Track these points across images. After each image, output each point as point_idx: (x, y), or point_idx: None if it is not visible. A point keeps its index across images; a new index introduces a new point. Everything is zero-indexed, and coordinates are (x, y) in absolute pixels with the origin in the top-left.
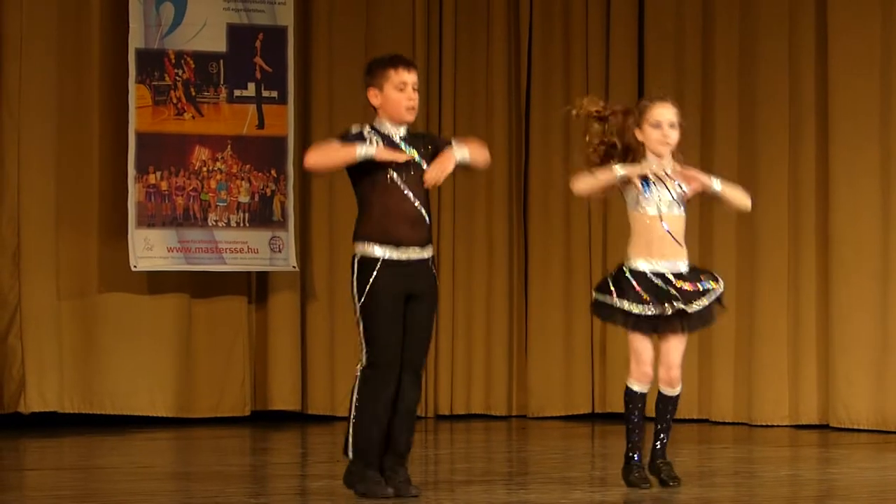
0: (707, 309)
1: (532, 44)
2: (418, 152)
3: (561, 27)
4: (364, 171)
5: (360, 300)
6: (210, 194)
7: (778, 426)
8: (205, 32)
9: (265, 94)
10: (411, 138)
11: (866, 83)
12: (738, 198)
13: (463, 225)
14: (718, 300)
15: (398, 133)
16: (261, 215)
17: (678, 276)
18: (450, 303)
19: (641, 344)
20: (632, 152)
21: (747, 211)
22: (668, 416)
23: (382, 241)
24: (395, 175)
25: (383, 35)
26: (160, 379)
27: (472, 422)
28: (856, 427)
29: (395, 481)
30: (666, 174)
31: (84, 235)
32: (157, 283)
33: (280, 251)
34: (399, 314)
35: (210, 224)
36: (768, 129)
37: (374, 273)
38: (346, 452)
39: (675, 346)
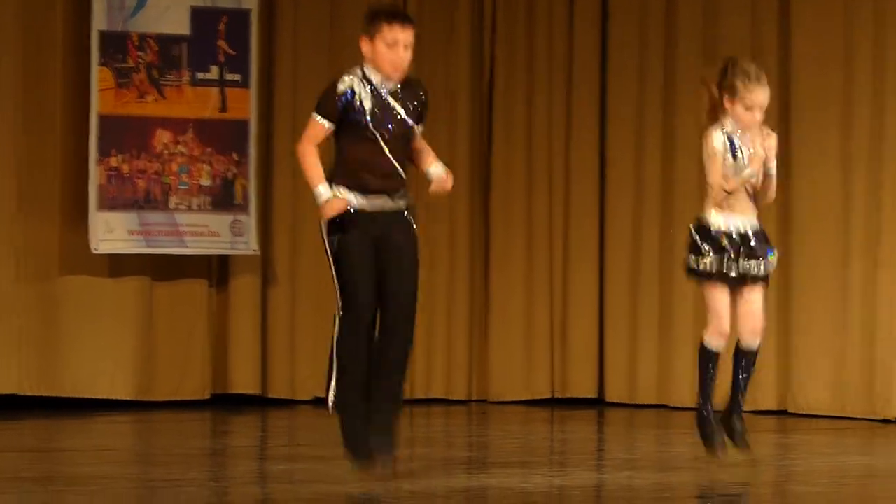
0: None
1: (496, 30)
2: (406, 109)
3: (525, 8)
4: (348, 122)
5: (330, 249)
6: (171, 177)
7: None
8: (168, 15)
9: (228, 77)
10: (402, 91)
11: (829, 69)
12: (772, 189)
13: (424, 213)
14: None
15: (387, 86)
16: (222, 199)
17: (754, 233)
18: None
19: (717, 295)
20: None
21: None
22: (751, 371)
23: (351, 187)
24: (377, 135)
25: (349, 20)
26: (121, 362)
27: (432, 406)
28: (814, 413)
29: (378, 434)
30: (749, 141)
31: (45, 218)
32: (118, 266)
33: (241, 235)
34: (370, 259)
35: (171, 207)
36: None
37: (343, 219)
38: (328, 407)
39: (756, 297)
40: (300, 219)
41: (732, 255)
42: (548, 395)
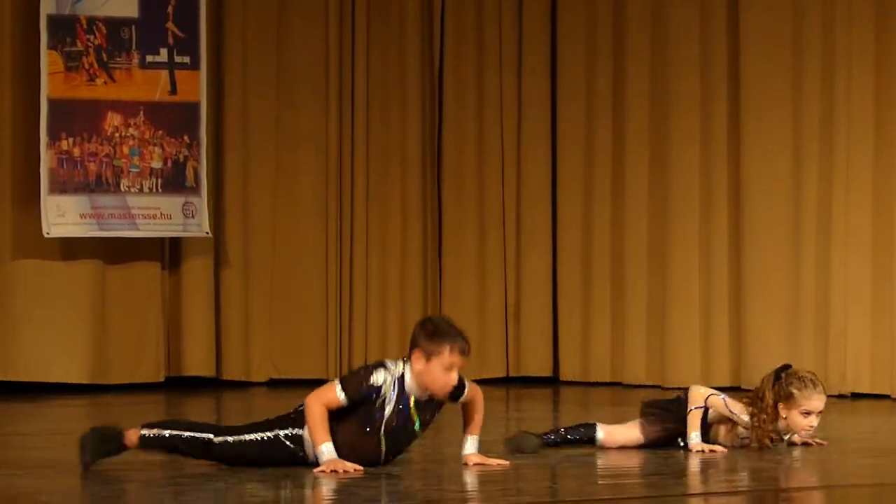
0: None
1: (445, 14)
2: (422, 420)
3: None
4: (360, 407)
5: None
6: (123, 160)
7: None
8: None
9: (178, 59)
10: (425, 403)
11: (778, 50)
12: None
13: (377, 193)
14: None
15: (421, 396)
16: (174, 181)
17: None
18: (363, 270)
19: None
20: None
21: None
22: None
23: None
24: (381, 436)
25: (295, 2)
26: (74, 346)
27: None
28: None
29: None
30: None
31: None
32: (71, 249)
33: (193, 217)
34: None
35: (123, 190)
36: (680, 98)
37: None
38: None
39: None
40: (252, 201)
41: None
42: (503, 374)
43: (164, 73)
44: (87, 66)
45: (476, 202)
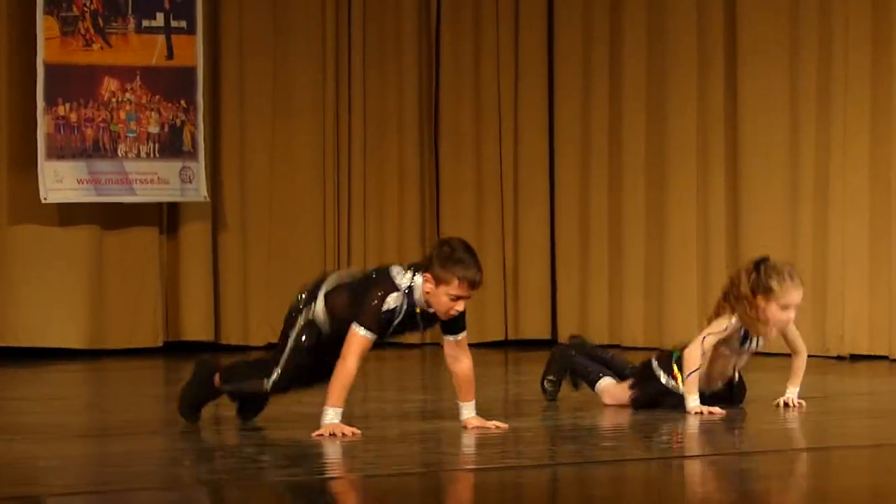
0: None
1: None
2: (426, 324)
3: None
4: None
5: (293, 336)
6: (120, 125)
7: None
8: None
9: (174, 24)
10: (430, 314)
11: (775, 15)
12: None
13: (374, 156)
14: None
15: (425, 309)
16: (171, 146)
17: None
18: (361, 233)
19: None
20: (737, 299)
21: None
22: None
23: None
24: (383, 340)
25: None
26: (72, 311)
27: (385, 350)
28: (764, 351)
29: None
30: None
31: None
32: (68, 214)
33: (191, 182)
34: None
35: (120, 155)
36: (677, 60)
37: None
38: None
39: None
40: (249, 165)
41: None
42: (501, 338)
43: (161, 38)
44: (83, 31)
45: (473, 165)
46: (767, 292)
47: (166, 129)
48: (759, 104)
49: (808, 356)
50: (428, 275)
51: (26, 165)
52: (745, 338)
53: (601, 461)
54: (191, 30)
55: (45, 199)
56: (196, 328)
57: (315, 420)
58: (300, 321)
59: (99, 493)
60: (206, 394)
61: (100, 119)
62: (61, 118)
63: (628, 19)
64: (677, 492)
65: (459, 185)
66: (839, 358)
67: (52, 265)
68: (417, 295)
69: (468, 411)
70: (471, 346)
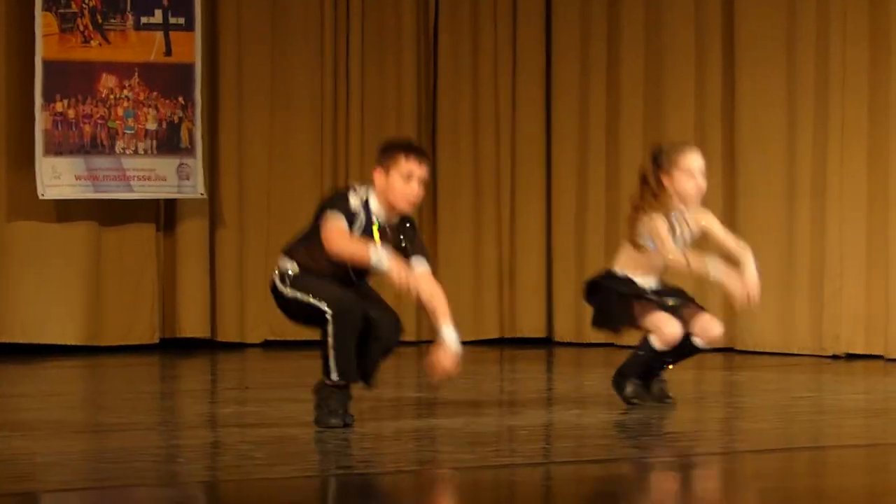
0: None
1: None
2: (393, 243)
3: None
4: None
5: (287, 293)
6: (117, 122)
7: None
8: None
9: (172, 21)
10: (397, 227)
11: (772, 11)
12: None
13: (372, 153)
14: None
15: (390, 222)
16: (168, 142)
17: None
18: None
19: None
20: (650, 192)
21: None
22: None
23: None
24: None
25: None
26: (70, 307)
27: None
28: (760, 350)
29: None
30: (686, 221)
31: None
32: (66, 211)
33: (188, 178)
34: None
35: (118, 152)
36: (674, 56)
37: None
38: (330, 376)
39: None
40: (246, 162)
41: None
42: (497, 336)
43: (159, 35)
44: (81, 27)
45: (471, 162)
46: (669, 166)
47: (164, 125)
48: (756, 101)
49: (805, 355)
50: (376, 170)
51: (24, 162)
52: (672, 231)
53: (594, 460)
54: (189, 26)
55: (43, 195)
56: (193, 325)
57: (312, 418)
58: (289, 293)
59: (96, 490)
60: None
61: (98, 115)
62: (59, 114)
63: (626, 15)
64: (673, 491)
65: (457, 182)
66: (835, 357)
67: (50, 261)
68: (374, 206)
69: (447, 334)
70: (467, 343)
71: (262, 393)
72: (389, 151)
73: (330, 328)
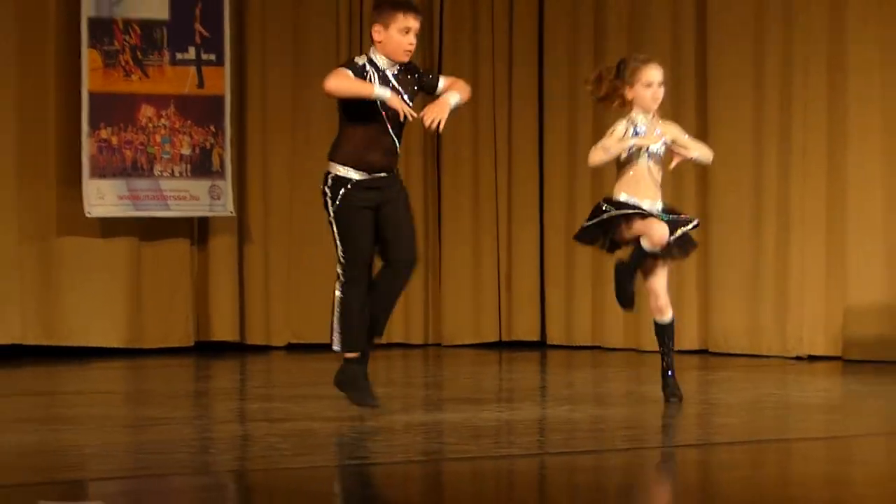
0: (686, 238)
1: (444, 8)
2: (405, 89)
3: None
4: (356, 102)
5: (332, 212)
6: (156, 148)
7: None
8: (149, 1)
9: (204, 57)
10: (402, 73)
11: (741, 48)
12: (706, 155)
13: None
14: (690, 233)
15: (392, 69)
16: (201, 166)
17: (663, 208)
18: None
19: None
20: (618, 101)
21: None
22: (669, 340)
23: (357, 167)
24: (383, 110)
25: (311, 4)
26: (113, 314)
27: (391, 350)
28: (731, 352)
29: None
30: (652, 127)
31: (43, 185)
32: (109, 228)
33: (219, 198)
34: (369, 226)
35: (156, 174)
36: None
37: (344, 189)
38: (332, 346)
39: (660, 275)
40: (271, 183)
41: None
42: (495, 339)
43: (193, 69)
44: (123, 63)
45: (471, 182)
46: (631, 76)
47: (197, 151)
48: (725, 132)
49: (771, 356)
50: (375, 26)
51: (72, 183)
52: (636, 135)
53: (585, 451)
54: (219, 62)
55: (89, 213)
56: (224, 330)
57: (332, 414)
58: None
59: (137, 478)
60: None
61: (138, 142)
62: (103, 141)
63: (612, 44)
64: (655, 478)
65: (458, 200)
66: (798, 358)
67: (95, 273)
68: (379, 60)
69: (448, 95)
70: (467, 346)
71: (286, 391)
72: (387, 9)
73: (337, 294)
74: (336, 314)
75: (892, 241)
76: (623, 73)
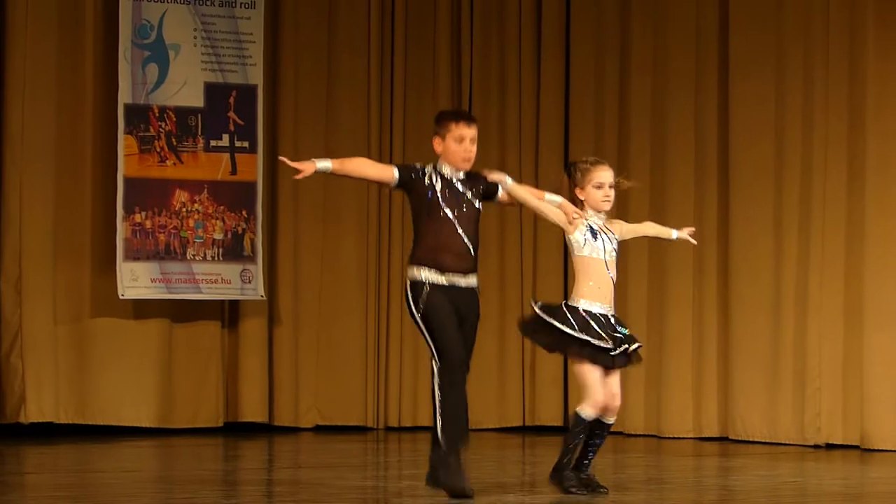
0: (636, 352)
1: (473, 51)
2: (472, 192)
3: (496, 22)
4: (422, 207)
5: (418, 315)
6: (189, 232)
7: (683, 438)
8: (185, 90)
9: (238, 144)
10: (467, 180)
11: (763, 141)
12: (663, 231)
13: (399, 243)
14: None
15: (457, 175)
16: (233, 250)
17: (615, 319)
18: (398, 329)
19: (596, 375)
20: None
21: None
22: (602, 439)
23: (431, 267)
24: (448, 212)
25: (342, 92)
26: (144, 393)
27: (417, 433)
28: (751, 439)
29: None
30: (605, 228)
31: (78, 267)
32: (142, 309)
33: (250, 282)
34: (455, 318)
35: (188, 258)
36: (676, 177)
37: (425, 290)
38: (437, 444)
39: (617, 379)
40: (301, 268)
41: (610, 337)
42: (519, 424)
43: (226, 156)
44: (158, 149)
45: (498, 269)
46: (581, 178)
47: (229, 235)
48: (747, 223)
49: (789, 444)
50: (434, 139)
51: (106, 266)
52: (594, 234)
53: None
54: (252, 149)
55: (123, 295)
56: (253, 410)
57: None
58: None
59: None
60: None
61: (171, 226)
62: (138, 225)
63: (635, 133)
64: None
65: (485, 282)
66: (816, 447)
67: (128, 353)
68: (443, 168)
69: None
70: (492, 430)
71: (314, 473)
72: (442, 121)
73: (437, 387)
74: (437, 411)
75: None
76: (573, 176)
